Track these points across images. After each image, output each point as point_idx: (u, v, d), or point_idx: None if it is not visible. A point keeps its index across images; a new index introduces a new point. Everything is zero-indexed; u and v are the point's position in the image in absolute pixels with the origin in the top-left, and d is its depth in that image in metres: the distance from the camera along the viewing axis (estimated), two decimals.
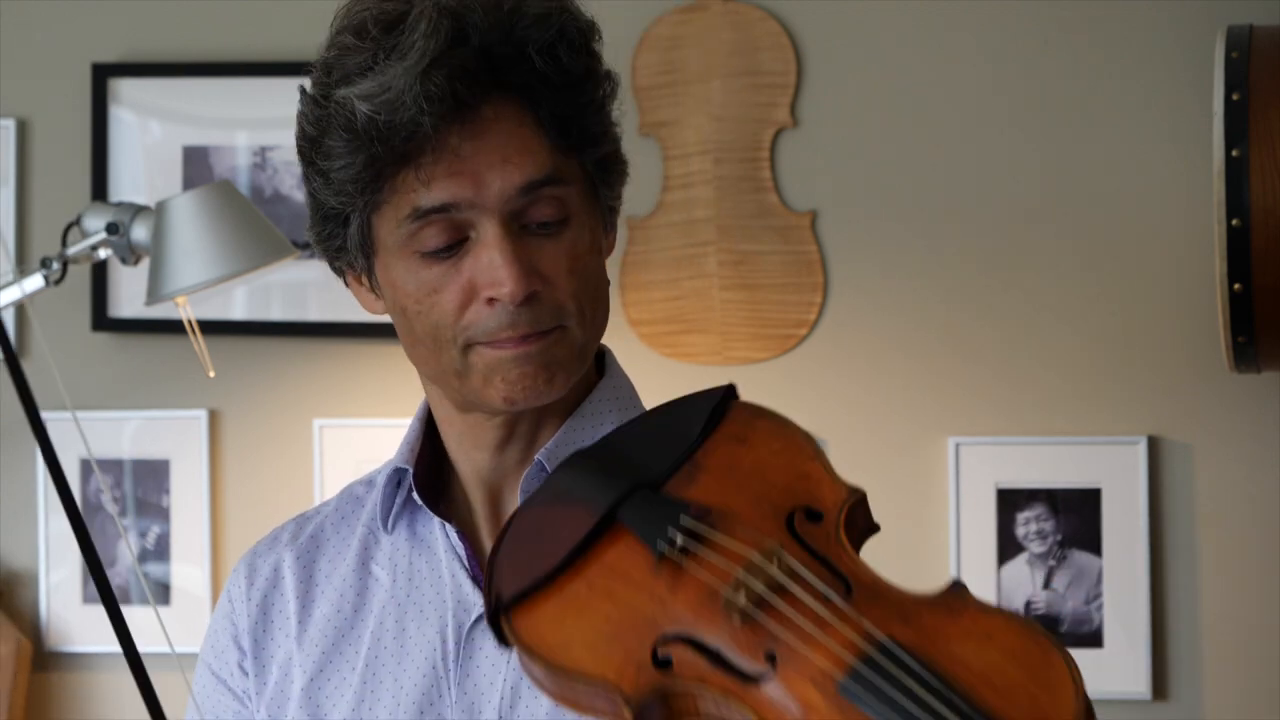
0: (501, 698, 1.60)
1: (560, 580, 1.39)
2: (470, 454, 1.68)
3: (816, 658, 1.25)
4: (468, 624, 1.63)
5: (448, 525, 1.67)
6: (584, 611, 1.37)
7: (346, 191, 1.58)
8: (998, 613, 1.26)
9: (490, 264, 1.56)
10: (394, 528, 1.70)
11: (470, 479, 1.69)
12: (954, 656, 1.24)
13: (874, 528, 1.40)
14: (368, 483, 1.75)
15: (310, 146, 1.61)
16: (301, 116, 1.63)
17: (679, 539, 1.36)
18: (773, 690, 1.25)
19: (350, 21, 1.59)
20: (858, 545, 1.35)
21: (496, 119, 1.57)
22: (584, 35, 1.60)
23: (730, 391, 1.51)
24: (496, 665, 1.61)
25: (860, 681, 1.23)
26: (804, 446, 1.42)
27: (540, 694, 1.45)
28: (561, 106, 1.59)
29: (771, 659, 1.26)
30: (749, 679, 1.26)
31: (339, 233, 1.63)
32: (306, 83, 1.63)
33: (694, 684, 1.27)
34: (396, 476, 1.70)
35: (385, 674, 1.65)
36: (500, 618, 1.41)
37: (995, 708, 1.20)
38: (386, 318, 1.70)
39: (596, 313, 1.62)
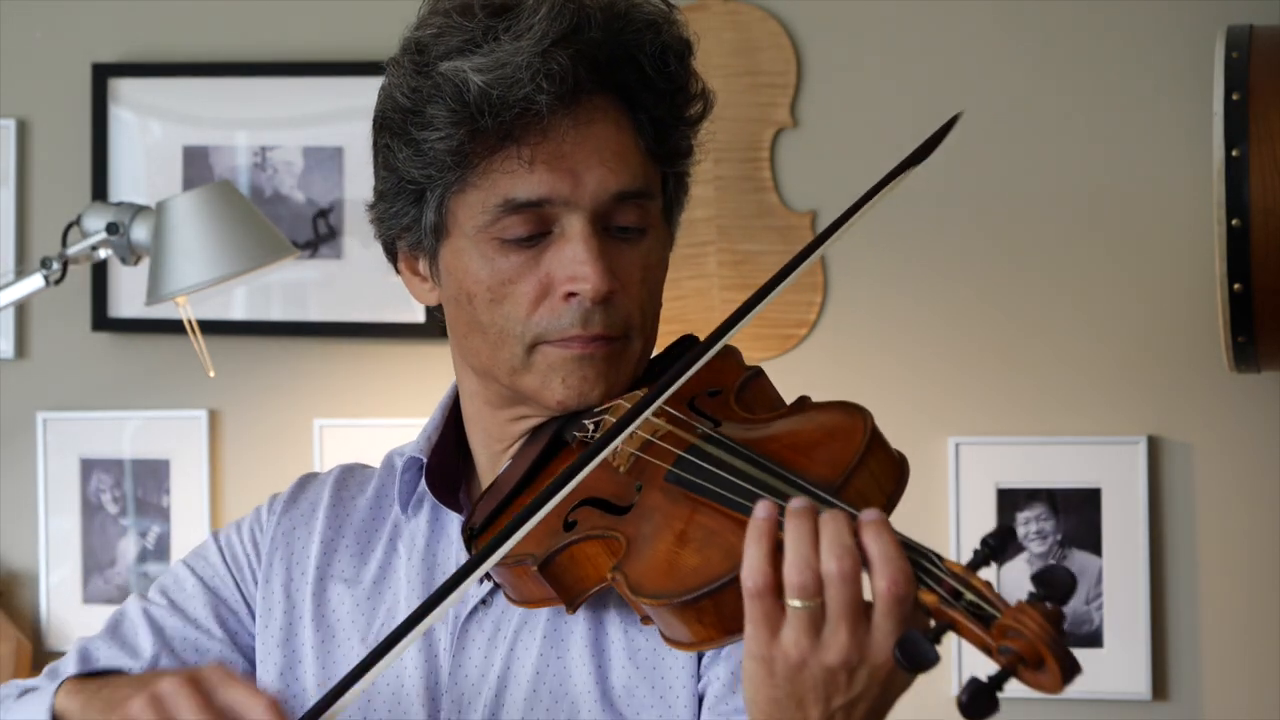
0: (489, 689, 1.62)
1: (516, 501, 1.60)
2: (493, 449, 1.69)
3: (658, 465, 1.50)
4: (464, 615, 1.64)
5: (461, 516, 1.68)
6: None
7: (437, 164, 1.58)
8: (827, 404, 1.54)
9: (574, 258, 1.57)
10: (416, 512, 1.72)
11: (486, 469, 1.70)
12: (771, 438, 1.49)
13: (780, 400, 1.62)
14: (400, 453, 1.76)
15: (403, 118, 1.59)
16: (393, 88, 1.60)
17: (590, 426, 1.59)
18: (637, 510, 1.49)
19: (450, 4, 1.59)
20: (770, 410, 1.59)
21: (602, 117, 1.58)
22: (687, 48, 1.63)
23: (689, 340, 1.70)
24: (489, 658, 1.63)
25: (681, 465, 1.48)
26: (731, 360, 1.63)
27: (521, 685, 1.57)
28: (661, 115, 1.61)
29: (640, 488, 1.51)
30: (623, 510, 1.50)
31: (410, 210, 1.62)
32: (391, 59, 1.63)
33: (591, 531, 1.51)
34: (414, 465, 1.71)
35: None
36: (471, 544, 1.60)
37: (788, 459, 1.44)
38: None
39: (654, 330, 1.65)
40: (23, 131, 3.28)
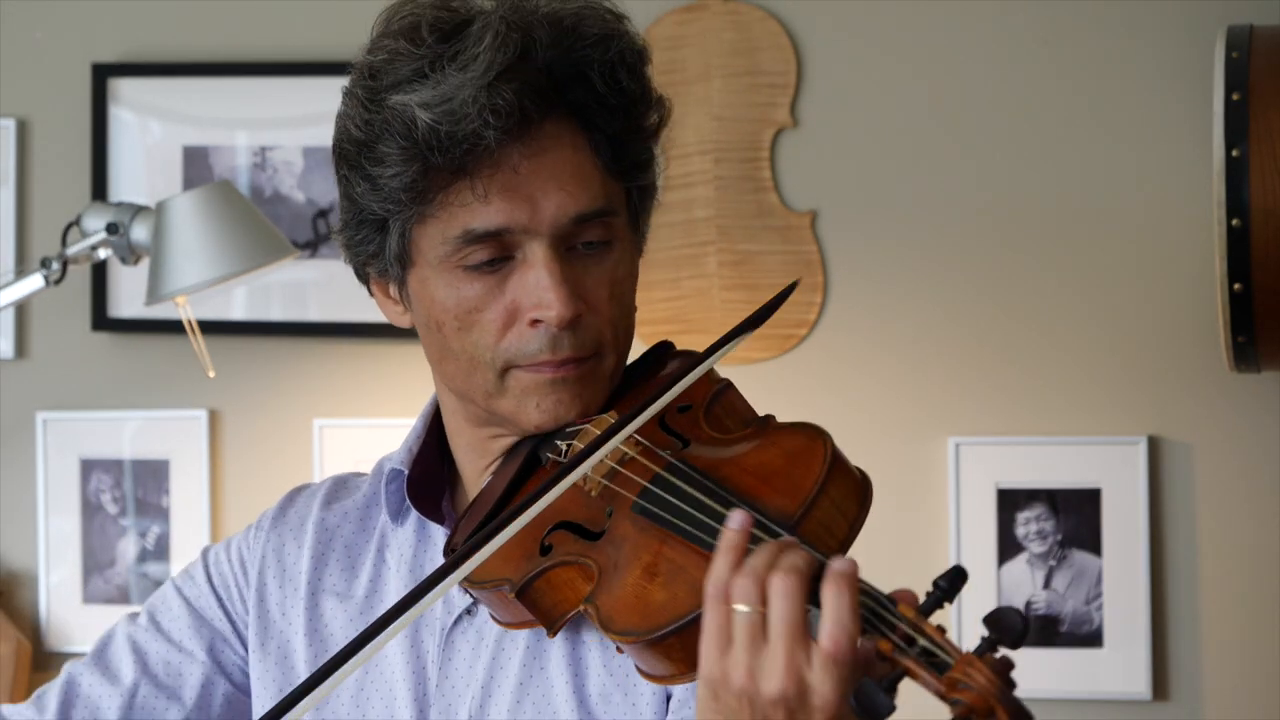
0: (473, 697, 1.62)
1: (494, 519, 1.56)
2: (476, 463, 1.69)
3: (625, 495, 1.49)
4: (449, 625, 1.65)
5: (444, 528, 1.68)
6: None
7: (395, 200, 1.56)
8: (791, 426, 1.52)
9: (537, 285, 1.56)
10: (403, 520, 1.72)
11: (473, 484, 1.70)
12: (734, 462, 1.48)
13: (754, 415, 1.59)
14: (389, 459, 1.76)
15: (357, 150, 1.58)
16: (347, 119, 1.59)
17: (563, 446, 1.58)
18: (608, 536, 1.49)
19: (400, 26, 1.58)
20: (738, 424, 1.58)
21: (555, 140, 1.56)
22: (639, 58, 1.61)
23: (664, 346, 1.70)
24: (474, 667, 1.63)
25: (645, 497, 1.47)
26: (709, 377, 1.61)
27: (504, 694, 1.58)
28: (617, 130, 1.59)
29: (610, 513, 1.50)
30: (596, 535, 1.50)
31: (374, 239, 1.62)
32: (347, 84, 1.61)
33: (565, 556, 1.50)
34: (396, 478, 1.71)
35: (384, 665, 1.67)
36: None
37: (750, 488, 1.44)
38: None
39: (627, 342, 1.63)
40: (23, 131, 3.28)
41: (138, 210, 2.84)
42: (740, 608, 1.33)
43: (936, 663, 1.29)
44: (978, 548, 3.00)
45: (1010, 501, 3.00)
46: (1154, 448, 2.99)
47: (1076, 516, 2.99)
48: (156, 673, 1.73)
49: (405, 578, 1.69)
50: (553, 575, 1.51)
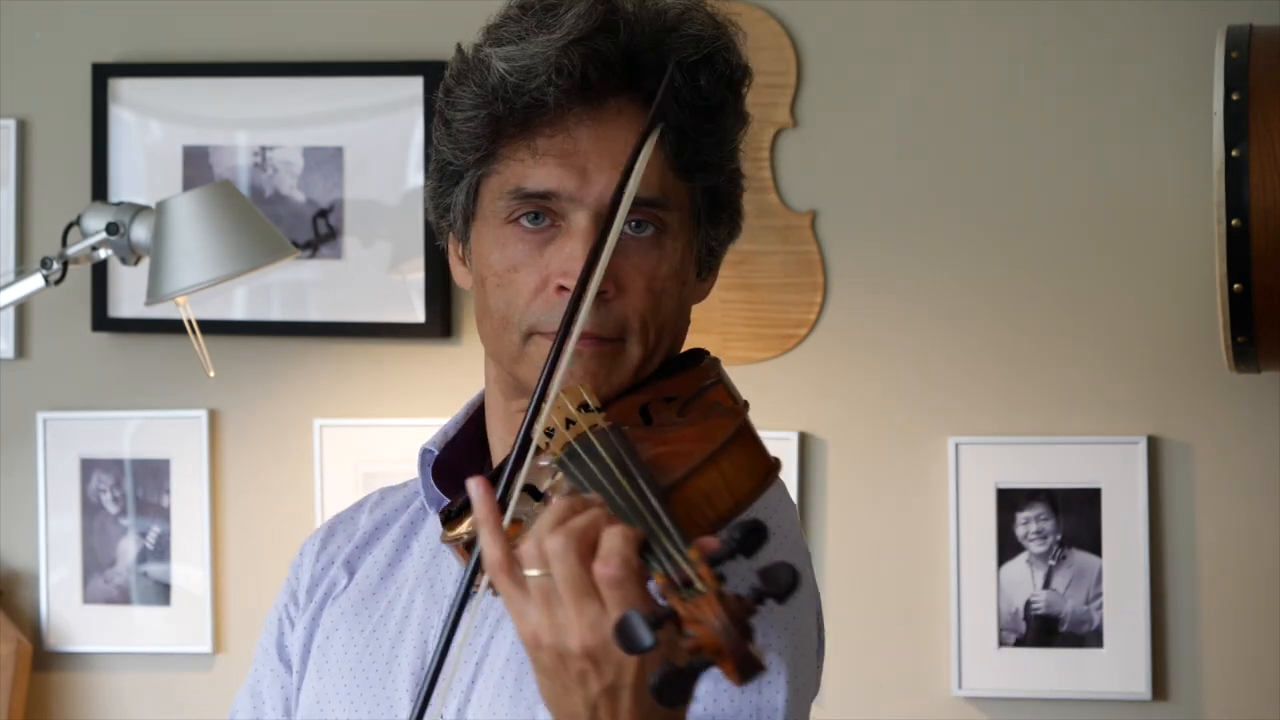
0: (467, 675, 1.64)
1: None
2: (506, 441, 1.69)
3: (557, 452, 1.51)
4: (457, 604, 1.65)
5: None
6: None
7: (465, 148, 1.62)
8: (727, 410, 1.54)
9: (570, 253, 1.58)
10: (436, 507, 1.73)
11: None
12: (658, 438, 1.50)
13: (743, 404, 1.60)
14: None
15: (445, 96, 1.64)
16: (447, 69, 1.66)
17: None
18: (545, 500, 1.51)
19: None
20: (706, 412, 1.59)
21: (621, 119, 1.60)
22: (731, 70, 1.63)
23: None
24: (472, 644, 1.64)
25: (566, 453, 1.48)
26: (709, 371, 1.64)
27: (492, 671, 1.59)
28: (686, 126, 1.60)
29: (556, 474, 1.52)
30: (540, 495, 1.52)
31: (449, 191, 1.66)
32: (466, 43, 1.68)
33: (520, 515, 1.51)
34: (426, 456, 1.73)
35: (385, 641, 1.69)
36: (446, 524, 1.61)
37: (655, 456, 1.45)
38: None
39: (661, 341, 1.63)
40: (23, 131, 3.28)
41: (138, 210, 2.84)
42: (531, 572, 1.35)
43: (685, 596, 1.31)
44: (978, 548, 3.00)
45: (1010, 501, 3.00)
46: (1154, 448, 2.99)
47: (1076, 516, 2.99)
48: None
49: (427, 559, 1.71)
50: (511, 530, 1.54)
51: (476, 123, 1.60)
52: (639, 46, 1.59)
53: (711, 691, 1.53)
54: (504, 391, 1.68)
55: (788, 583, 1.29)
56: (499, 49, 1.59)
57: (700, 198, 1.64)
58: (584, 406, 1.52)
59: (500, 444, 1.70)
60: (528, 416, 1.51)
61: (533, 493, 1.53)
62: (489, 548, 1.38)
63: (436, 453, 1.71)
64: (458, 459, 1.72)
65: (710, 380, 1.62)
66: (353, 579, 1.74)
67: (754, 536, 1.32)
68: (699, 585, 1.30)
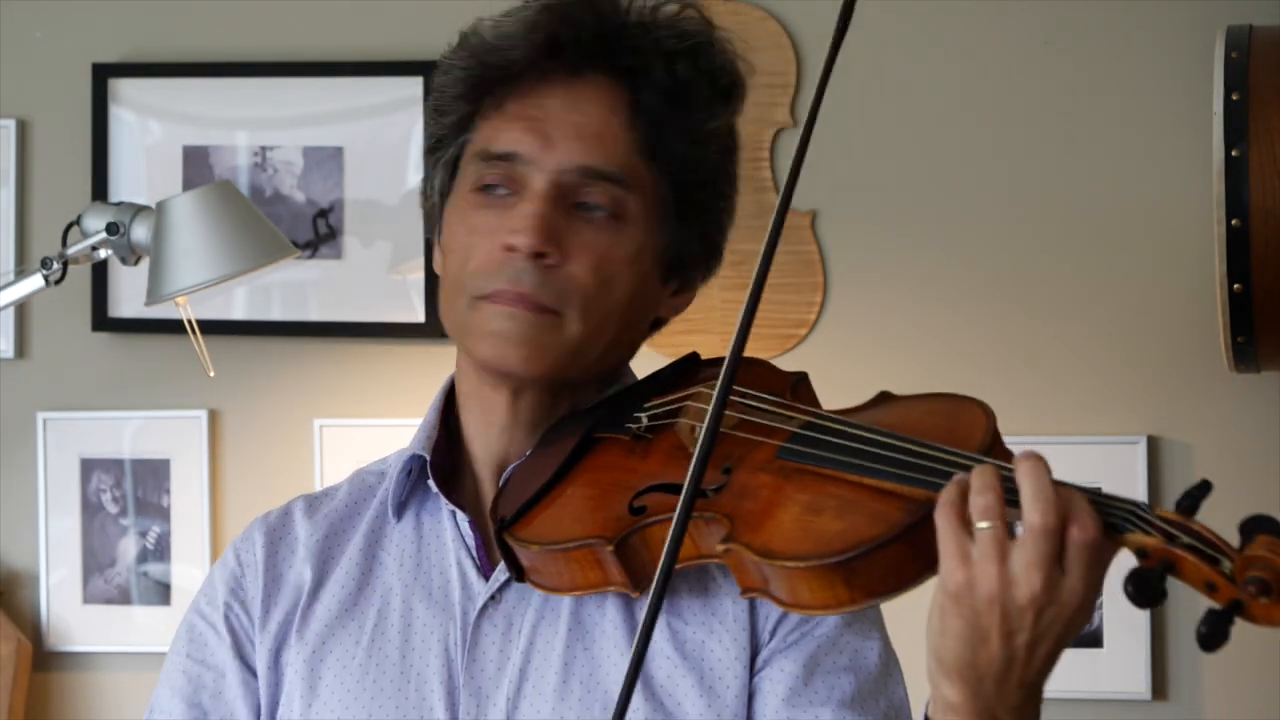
0: (509, 681, 1.61)
1: (553, 492, 1.61)
2: (483, 431, 1.69)
3: (761, 446, 1.54)
4: (474, 612, 1.64)
5: (459, 514, 1.68)
6: (572, 502, 1.60)
7: (445, 112, 1.64)
8: (927, 394, 1.65)
9: (521, 214, 1.59)
10: (403, 516, 1.71)
11: (481, 459, 1.70)
12: (879, 420, 1.57)
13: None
14: (379, 473, 1.76)
15: (437, 71, 1.66)
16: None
17: (644, 419, 1.62)
18: (730, 490, 1.52)
19: None
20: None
21: (595, 93, 1.62)
22: (713, 68, 1.66)
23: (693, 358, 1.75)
24: (505, 651, 1.62)
25: (796, 440, 1.52)
26: (767, 368, 1.70)
27: (546, 683, 1.56)
28: (660, 114, 1.61)
29: (728, 470, 1.54)
30: (708, 493, 1.52)
31: (434, 177, 1.68)
32: None
33: (665, 514, 1.52)
34: (410, 465, 1.70)
35: (391, 652, 1.65)
36: (505, 535, 1.59)
37: (908, 430, 1.51)
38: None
39: (605, 324, 1.62)
40: (23, 131, 3.28)
41: (138, 210, 2.84)
42: (982, 525, 1.37)
43: (1205, 554, 1.40)
44: None
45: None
46: (1154, 448, 2.99)
47: None
48: None
49: (409, 568, 1.68)
50: (648, 534, 1.54)
51: (457, 85, 1.63)
52: (622, 25, 1.61)
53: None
54: (472, 369, 1.67)
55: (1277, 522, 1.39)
56: (492, 19, 1.62)
57: (668, 192, 1.64)
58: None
59: (473, 427, 1.69)
60: (709, 433, 1.45)
61: (703, 494, 1.54)
62: (952, 493, 1.39)
63: (428, 457, 1.69)
64: (438, 455, 1.70)
65: (797, 375, 1.72)
66: (323, 586, 1.71)
67: (1206, 489, 1.46)
68: (1191, 540, 1.40)
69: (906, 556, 1.43)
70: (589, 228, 1.60)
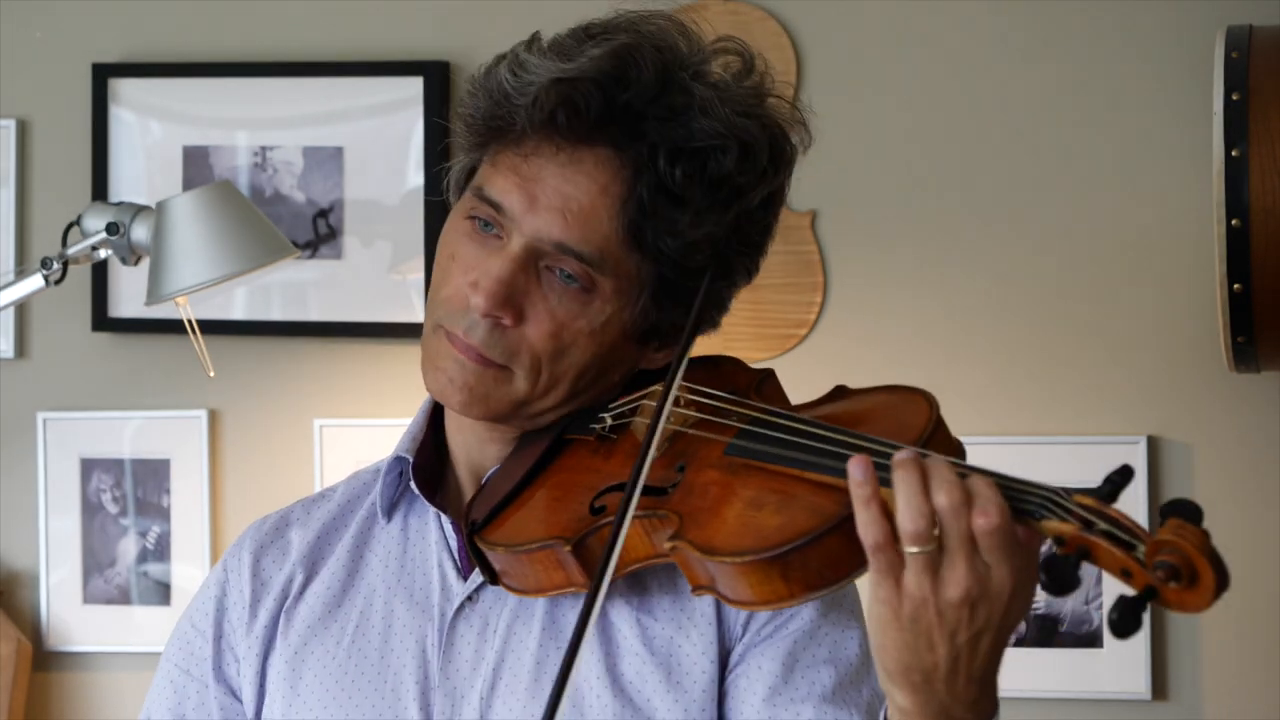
0: (484, 680, 1.63)
1: (522, 495, 1.64)
2: (464, 435, 1.72)
3: (711, 444, 1.55)
4: (450, 613, 1.65)
5: (443, 516, 1.70)
6: (539, 504, 1.62)
7: (466, 131, 1.66)
8: (876, 387, 1.61)
9: (488, 270, 1.60)
10: (392, 517, 1.73)
11: (461, 462, 1.72)
12: (827, 415, 1.56)
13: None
14: (375, 470, 1.78)
15: (468, 89, 1.67)
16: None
17: (608, 419, 1.64)
18: (682, 488, 1.54)
19: (593, 19, 1.64)
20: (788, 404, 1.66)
21: (592, 169, 1.60)
22: (720, 170, 1.61)
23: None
24: (480, 651, 1.64)
25: (744, 438, 1.54)
26: (736, 366, 1.70)
27: (519, 681, 1.58)
28: (650, 207, 1.59)
29: (682, 468, 1.56)
30: (665, 491, 1.54)
31: (446, 173, 1.71)
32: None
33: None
34: (398, 466, 1.72)
35: (370, 652, 1.67)
36: (475, 539, 1.62)
37: (850, 423, 1.50)
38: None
39: (557, 384, 1.63)
40: (23, 131, 3.28)
41: (138, 210, 2.84)
42: (912, 550, 1.37)
43: (1120, 540, 1.36)
44: None
45: None
46: (1154, 448, 2.99)
47: None
48: None
49: (393, 568, 1.70)
50: (605, 534, 1.54)
51: (475, 118, 1.64)
52: (646, 110, 1.58)
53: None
54: None
55: (1195, 508, 1.36)
56: (523, 56, 1.60)
57: (650, 275, 1.62)
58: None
59: (454, 431, 1.72)
60: (652, 427, 1.52)
61: (644, 490, 1.55)
62: (871, 528, 1.38)
63: (411, 459, 1.71)
64: (423, 457, 1.72)
65: (763, 373, 1.71)
66: (309, 587, 1.72)
67: (1128, 475, 1.41)
68: (1107, 526, 1.36)
69: (844, 549, 1.43)
70: (554, 294, 1.60)
